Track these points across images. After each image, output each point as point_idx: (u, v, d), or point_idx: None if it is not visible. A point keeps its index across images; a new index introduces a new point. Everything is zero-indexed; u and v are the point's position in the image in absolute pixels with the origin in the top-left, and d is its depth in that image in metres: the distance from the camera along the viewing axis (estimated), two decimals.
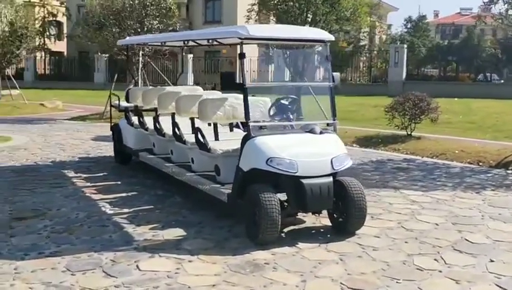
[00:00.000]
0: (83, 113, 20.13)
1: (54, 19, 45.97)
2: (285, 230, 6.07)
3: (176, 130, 7.41)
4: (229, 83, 5.89)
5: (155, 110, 8.44)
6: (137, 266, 4.96)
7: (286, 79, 17.42)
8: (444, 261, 5.23)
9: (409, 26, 42.29)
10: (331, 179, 5.78)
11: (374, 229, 6.19)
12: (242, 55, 5.92)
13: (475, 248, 5.64)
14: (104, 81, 34.43)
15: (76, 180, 8.48)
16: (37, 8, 43.91)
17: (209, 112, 6.97)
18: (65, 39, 45.08)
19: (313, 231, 6.14)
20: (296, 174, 5.63)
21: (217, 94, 8.14)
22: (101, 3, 17.70)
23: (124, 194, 7.62)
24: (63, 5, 44.23)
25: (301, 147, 5.87)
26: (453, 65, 31.77)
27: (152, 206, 7.01)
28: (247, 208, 5.67)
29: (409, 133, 12.95)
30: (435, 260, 5.29)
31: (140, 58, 18.04)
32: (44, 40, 43.60)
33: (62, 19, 45.10)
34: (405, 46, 29.77)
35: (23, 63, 40.80)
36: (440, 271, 5.01)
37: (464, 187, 8.40)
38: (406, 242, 5.80)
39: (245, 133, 5.97)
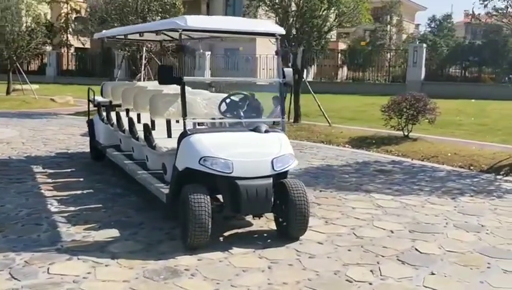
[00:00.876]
0: (91, 108, 19.99)
1: (78, 15, 46.38)
2: (226, 234, 5.75)
3: (132, 126, 7.15)
4: (166, 77, 5.57)
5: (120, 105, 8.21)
6: (47, 269, 4.70)
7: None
8: (380, 273, 4.83)
9: (432, 25, 41.24)
10: (270, 180, 5.42)
11: (321, 235, 5.81)
12: (181, 48, 5.62)
13: (421, 259, 5.21)
14: (124, 77, 34.55)
15: (40, 176, 8.30)
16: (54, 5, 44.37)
17: (161, 108, 6.68)
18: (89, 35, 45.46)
19: (255, 235, 5.79)
20: (231, 174, 5.29)
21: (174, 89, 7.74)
22: None
23: (79, 192, 7.40)
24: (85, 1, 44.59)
25: (240, 146, 5.53)
26: (476, 66, 30.70)
27: (101, 205, 6.76)
28: (181, 210, 5.36)
29: (406, 134, 12.44)
30: (371, 271, 4.88)
31: (144, 54, 17.91)
32: (67, 36, 44.03)
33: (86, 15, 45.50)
34: (424, 45, 28.94)
35: (46, 59, 41.51)
36: (370, 283, 4.61)
37: (441, 192, 7.91)
38: (348, 250, 5.41)
39: None
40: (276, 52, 6.11)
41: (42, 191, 7.41)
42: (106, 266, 4.83)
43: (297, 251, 5.34)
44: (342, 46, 38.17)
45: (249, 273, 4.76)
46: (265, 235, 5.80)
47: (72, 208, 6.57)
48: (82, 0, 45.39)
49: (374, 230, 6.08)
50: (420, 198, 7.54)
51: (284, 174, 5.77)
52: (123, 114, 8.10)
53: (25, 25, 22.09)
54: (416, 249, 5.47)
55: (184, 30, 5.61)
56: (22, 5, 21.21)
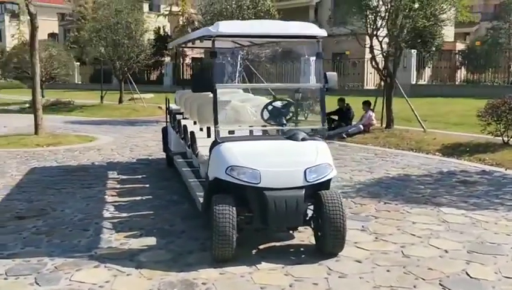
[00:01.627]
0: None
1: (194, 26, 48.28)
2: (262, 246, 5.51)
3: (185, 134, 7.16)
4: (200, 85, 5.47)
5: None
6: (71, 276, 4.78)
7: None
8: None
9: None
10: (301, 192, 5.10)
11: (363, 253, 5.37)
12: (213, 54, 5.49)
13: (468, 285, 4.61)
14: None
15: (111, 182, 8.61)
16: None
17: (207, 116, 6.59)
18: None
19: (292, 250, 5.48)
20: (259, 185, 5.06)
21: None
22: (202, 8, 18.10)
23: (138, 198, 7.55)
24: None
25: (271, 155, 5.27)
26: None
27: (152, 212, 6.82)
28: (209, 221, 5.22)
29: (506, 141, 11.33)
30: None
31: (239, 61, 18.13)
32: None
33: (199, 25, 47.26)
34: None
35: (164, 69, 43.66)
36: None
37: None
38: (387, 271, 4.93)
39: None
40: (318, 55, 5.77)
41: (105, 196, 7.65)
42: (127, 275, 4.81)
43: (330, 268, 4.96)
44: (461, 46, 35.99)
45: None
46: (302, 249, 5.48)
47: (124, 215, 6.69)
48: (195, 12, 47.23)
49: (426, 249, 5.51)
50: (496, 214, 6.75)
51: (324, 185, 5.41)
52: (186, 121, 8.15)
53: (138, 38, 23.28)
54: (466, 273, 4.86)
55: (217, 36, 5.47)
56: (130, 19, 22.41)
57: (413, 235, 5.94)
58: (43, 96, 27.35)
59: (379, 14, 13.44)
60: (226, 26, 5.45)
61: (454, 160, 10.68)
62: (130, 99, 26.04)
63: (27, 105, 23.55)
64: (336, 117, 14.54)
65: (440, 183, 8.51)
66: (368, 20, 13.76)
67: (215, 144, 5.37)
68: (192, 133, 6.50)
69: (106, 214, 6.76)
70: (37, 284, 4.62)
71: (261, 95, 7.93)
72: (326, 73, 5.69)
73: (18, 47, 29.36)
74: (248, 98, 7.23)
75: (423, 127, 13.94)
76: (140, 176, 9.08)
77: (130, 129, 16.17)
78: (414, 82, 28.34)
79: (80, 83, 48.18)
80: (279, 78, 34.54)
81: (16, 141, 12.78)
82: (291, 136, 5.48)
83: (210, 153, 5.42)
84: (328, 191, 5.26)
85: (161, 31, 43.86)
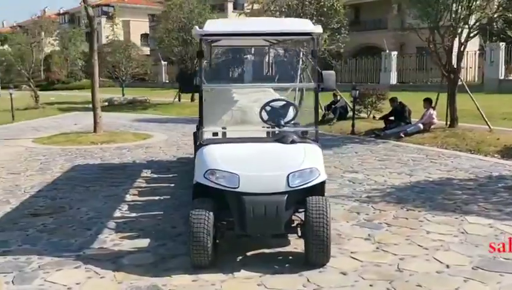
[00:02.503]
0: None
1: None
2: (250, 253, 5.29)
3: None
4: (186, 84, 5.34)
5: None
6: (47, 276, 4.83)
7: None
8: None
9: None
10: (283, 198, 4.82)
11: (354, 264, 5.01)
12: (199, 54, 5.33)
13: None
14: None
15: (140, 180, 8.71)
16: None
17: (212, 117, 6.43)
18: None
19: (280, 258, 5.22)
20: (237, 190, 4.84)
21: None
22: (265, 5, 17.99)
23: (156, 198, 7.57)
24: None
25: (254, 158, 5.04)
26: None
27: (162, 213, 6.80)
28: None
29: None
30: None
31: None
32: None
33: None
34: None
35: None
36: None
37: None
38: (370, 285, 4.55)
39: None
40: (312, 53, 5.43)
41: (126, 195, 7.73)
42: (101, 278, 4.79)
43: (308, 280, 4.66)
44: None
45: None
46: (290, 258, 5.20)
47: (133, 214, 6.72)
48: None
49: (427, 263, 5.04)
50: None
51: (316, 191, 5.09)
52: None
53: None
54: None
55: (205, 36, 5.30)
56: (201, 19, 22.73)
57: (421, 246, 5.46)
58: (123, 95, 28.59)
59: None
60: (213, 26, 5.29)
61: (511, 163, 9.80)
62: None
63: (106, 103, 24.63)
64: (392, 118, 13.97)
65: (481, 189, 7.82)
66: (433, 12, 12.95)
67: (199, 146, 5.22)
68: (194, 135, 6.39)
69: (117, 213, 6.82)
70: (12, 283, 4.70)
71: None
72: (322, 72, 5.36)
73: (110, 47, 30.75)
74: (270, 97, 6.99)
75: (489, 126, 12.95)
76: (171, 175, 9.13)
77: (190, 127, 16.33)
78: (502, 77, 26.51)
79: (167, 82, 49.75)
80: (358, 74, 33.76)
81: (73, 139, 13.34)
82: (280, 139, 5.21)
83: (195, 156, 5.28)
84: (314, 198, 4.94)
85: None
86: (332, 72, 5.42)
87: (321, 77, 5.33)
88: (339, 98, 16.62)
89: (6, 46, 47.99)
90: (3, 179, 8.97)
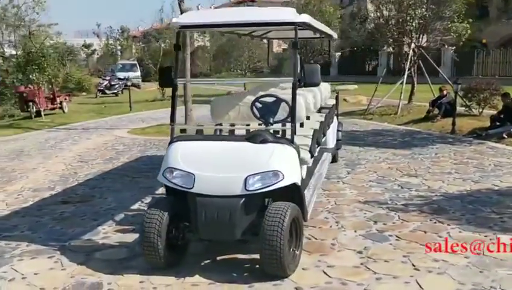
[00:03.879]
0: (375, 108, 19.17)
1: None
2: (220, 257, 5.02)
3: None
4: (165, 79, 5.17)
5: None
6: (18, 263, 5.01)
7: None
8: None
9: None
10: (238, 201, 4.46)
11: (321, 279, 4.52)
12: (176, 47, 5.12)
13: None
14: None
15: None
16: None
17: (221, 112, 6.19)
18: None
19: (247, 265, 4.86)
20: (192, 190, 4.59)
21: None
22: None
23: None
24: None
25: (215, 158, 4.72)
26: None
27: None
28: None
29: None
30: None
31: (411, 52, 16.69)
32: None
33: None
34: None
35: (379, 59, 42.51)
36: None
37: None
38: None
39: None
40: (293, 45, 4.93)
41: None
42: (61, 270, 4.85)
43: None
44: None
45: None
46: (257, 267, 4.80)
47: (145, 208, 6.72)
48: None
49: (403, 286, 4.36)
50: None
51: (291, 196, 4.68)
52: None
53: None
54: None
55: (182, 28, 5.08)
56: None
57: (414, 266, 4.75)
58: (244, 88, 29.14)
59: None
60: (191, 17, 5.05)
61: None
62: (333, 91, 26.00)
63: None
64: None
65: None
66: None
67: (169, 143, 5.04)
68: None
69: (135, 206, 6.89)
70: None
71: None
72: (305, 66, 4.87)
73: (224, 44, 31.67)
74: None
75: None
76: None
77: None
78: None
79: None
80: (504, 66, 30.71)
81: (164, 130, 13.79)
82: (250, 138, 4.82)
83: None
84: (276, 204, 4.52)
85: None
86: (317, 66, 4.89)
87: (303, 71, 4.84)
88: (445, 92, 15.25)
89: (159, 42, 52.11)
90: (68, 167, 9.56)
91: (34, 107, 19.51)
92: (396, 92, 17.02)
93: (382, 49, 20.83)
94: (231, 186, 4.50)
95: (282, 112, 5.31)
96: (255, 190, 4.49)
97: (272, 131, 4.95)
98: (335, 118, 9.29)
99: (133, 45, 65.64)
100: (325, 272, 4.65)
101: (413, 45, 16.87)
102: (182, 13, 14.65)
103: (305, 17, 5.00)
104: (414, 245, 5.25)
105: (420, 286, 4.34)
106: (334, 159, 9.24)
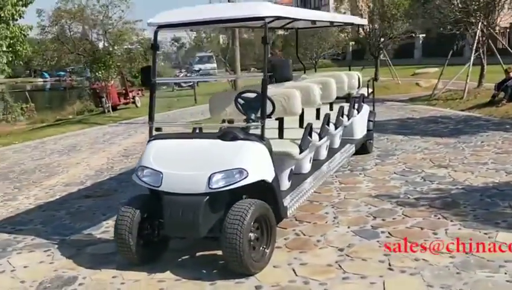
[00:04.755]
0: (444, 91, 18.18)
1: None
2: (199, 254, 5.07)
3: None
4: (146, 78, 5.26)
5: None
6: (15, 256, 5.34)
7: None
8: None
9: None
10: (202, 199, 4.47)
11: (285, 277, 4.43)
12: (153, 47, 5.19)
13: None
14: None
15: None
16: None
17: (218, 108, 6.18)
18: None
19: (221, 262, 4.86)
20: (159, 188, 4.67)
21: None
22: None
23: None
24: None
25: (184, 156, 4.76)
26: None
27: None
28: None
29: None
30: None
31: (478, 33, 15.75)
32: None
33: None
34: None
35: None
36: None
37: None
38: None
39: None
40: (262, 40, 4.82)
41: None
42: (49, 263, 5.09)
43: None
44: None
45: None
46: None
47: None
48: None
49: (364, 288, 4.19)
50: None
51: (258, 193, 4.64)
52: None
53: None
54: None
55: (159, 27, 5.14)
56: None
57: (390, 265, 4.54)
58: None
59: None
60: (166, 16, 5.11)
61: None
62: (412, 75, 25.19)
63: None
64: None
65: None
66: None
67: (147, 141, 5.14)
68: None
69: None
70: None
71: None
72: (273, 61, 4.79)
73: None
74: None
75: None
76: None
77: None
78: None
79: (385, 58, 48.54)
80: None
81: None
82: (222, 135, 4.81)
83: None
84: (240, 201, 4.49)
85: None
86: (288, 60, 4.79)
87: (273, 66, 4.76)
88: None
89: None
90: (109, 162, 9.99)
91: (107, 102, 20.51)
92: (473, 75, 16.11)
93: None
94: (196, 184, 4.52)
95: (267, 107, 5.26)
96: (219, 188, 4.49)
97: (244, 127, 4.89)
98: (365, 107, 9.00)
99: (220, 36, 66.90)
100: (294, 270, 4.56)
101: (480, 25, 15.89)
102: None
103: (276, 11, 4.89)
104: (400, 243, 5.00)
105: (384, 288, 4.15)
106: (366, 150, 8.98)
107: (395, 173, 7.67)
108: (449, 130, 11.07)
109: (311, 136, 5.91)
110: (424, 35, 37.86)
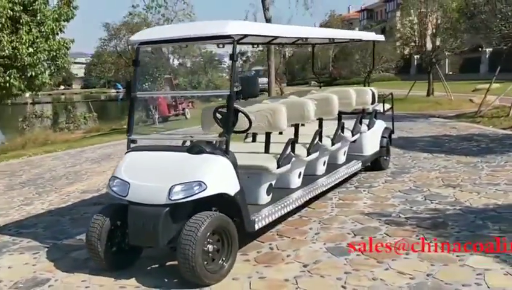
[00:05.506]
0: (490, 108, 17.60)
1: None
2: (169, 263, 5.21)
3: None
4: (127, 92, 5.52)
5: None
6: (4, 257, 5.69)
7: None
8: None
9: None
10: (162, 210, 4.64)
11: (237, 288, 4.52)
12: (134, 62, 5.44)
13: None
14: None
15: None
16: None
17: (208, 121, 6.34)
18: None
19: None
20: (126, 198, 4.89)
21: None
22: None
23: None
24: None
25: (151, 168, 4.95)
26: None
27: None
28: None
29: None
30: None
31: None
32: None
33: None
34: None
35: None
36: None
37: None
38: None
39: None
40: (230, 57, 4.95)
41: None
42: (32, 265, 5.39)
43: None
44: None
45: None
46: None
47: None
48: None
49: None
50: None
51: (228, 207, 4.80)
52: None
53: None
54: None
55: (141, 44, 5.40)
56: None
57: (345, 284, 4.52)
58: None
59: None
60: (147, 34, 5.38)
61: None
62: (473, 90, 24.54)
63: None
64: None
65: None
66: None
67: (125, 153, 5.37)
68: None
69: None
70: None
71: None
72: (241, 77, 4.93)
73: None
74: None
75: None
76: None
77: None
78: None
79: (450, 73, 47.32)
80: None
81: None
82: (190, 149, 4.97)
83: None
84: (199, 214, 4.61)
85: None
86: (255, 77, 4.98)
87: (241, 82, 4.90)
88: None
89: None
90: None
91: (154, 113, 21.19)
92: None
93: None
94: (157, 196, 4.70)
95: (243, 122, 5.41)
96: (178, 199, 4.64)
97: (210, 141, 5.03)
98: (379, 123, 8.91)
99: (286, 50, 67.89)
100: (250, 284, 4.62)
101: None
102: (266, 21, 14.99)
103: (246, 29, 5.02)
104: (368, 262, 4.96)
105: None
106: (380, 167, 8.88)
107: (399, 191, 7.55)
108: (478, 149, 10.72)
109: (293, 152, 5.96)
110: (490, 49, 36.66)
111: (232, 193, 4.83)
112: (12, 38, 13.05)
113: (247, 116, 5.45)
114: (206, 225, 4.48)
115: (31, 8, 13.59)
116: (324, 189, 6.78)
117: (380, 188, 7.80)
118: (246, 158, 5.79)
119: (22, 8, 13.22)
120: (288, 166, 5.88)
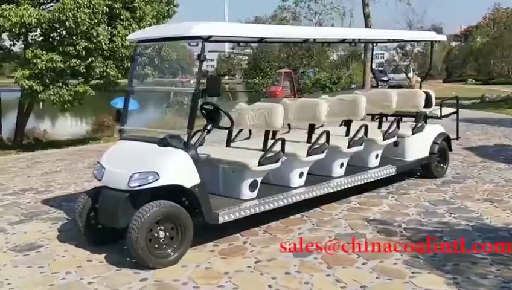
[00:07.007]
0: None
1: None
2: None
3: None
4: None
5: None
6: (31, 221, 6.54)
7: None
8: None
9: None
10: (122, 195, 5.07)
11: (178, 274, 4.79)
12: (133, 59, 5.95)
13: None
14: None
15: None
16: None
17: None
18: None
19: None
20: (100, 182, 5.42)
21: None
22: None
23: None
24: None
25: (125, 156, 5.43)
26: None
27: None
28: None
29: None
30: None
31: None
32: None
33: None
34: None
35: None
36: None
37: None
38: None
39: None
40: (198, 57, 5.17)
41: None
42: (42, 233, 6.11)
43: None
44: None
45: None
46: None
47: None
48: None
49: None
50: None
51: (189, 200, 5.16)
52: None
53: None
54: None
55: (139, 42, 5.87)
56: None
57: (285, 284, 4.57)
58: None
59: None
60: (145, 32, 5.91)
61: None
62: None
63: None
64: None
65: None
66: None
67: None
68: None
69: None
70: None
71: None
72: (208, 76, 5.19)
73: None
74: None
75: None
76: None
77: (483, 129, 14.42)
78: None
79: None
80: None
81: None
82: (159, 141, 5.32)
83: None
84: (151, 203, 4.95)
85: None
86: (218, 77, 5.15)
87: (206, 81, 5.15)
88: None
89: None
90: None
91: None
92: None
93: None
94: (120, 182, 5.14)
95: (224, 119, 5.67)
96: (134, 187, 5.04)
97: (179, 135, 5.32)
98: (431, 128, 8.43)
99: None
100: (192, 272, 4.85)
101: None
102: (365, 18, 14.65)
103: (210, 30, 5.20)
104: (319, 266, 4.92)
105: None
106: (432, 174, 8.42)
107: (428, 201, 7.16)
108: None
109: (283, 151, 6.01)
110: None
111: (187, 185, 5.09)
112: (111, 32, 14.59)
113: (228, 115, 5.70)
114: (152, 213, 4.82)
115: (131, 5, 15.25)
116: (331, 191, 6.66)
117: (411, 196, 7.44)
118: (233, 154, 6.00)
119: (121, 5, 14.90)
120: (277, 164, 5.94)
